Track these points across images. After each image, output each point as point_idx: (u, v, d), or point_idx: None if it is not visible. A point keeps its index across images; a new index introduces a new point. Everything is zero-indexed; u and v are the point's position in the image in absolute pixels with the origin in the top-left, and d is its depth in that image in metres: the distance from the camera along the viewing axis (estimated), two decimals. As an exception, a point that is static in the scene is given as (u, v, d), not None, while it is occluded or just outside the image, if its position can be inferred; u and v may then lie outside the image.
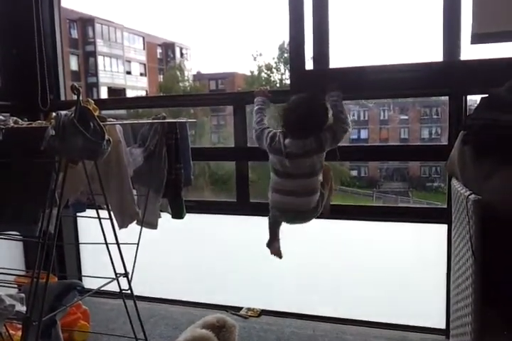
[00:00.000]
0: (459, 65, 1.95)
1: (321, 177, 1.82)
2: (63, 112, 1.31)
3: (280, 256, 2.02)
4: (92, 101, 1.54)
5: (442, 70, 1.95)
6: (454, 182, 1.64)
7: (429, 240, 2.26)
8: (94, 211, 1.60)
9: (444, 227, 2.02)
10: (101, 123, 1.32)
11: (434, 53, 1.97)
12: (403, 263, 2.37)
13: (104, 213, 1.61)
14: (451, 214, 1.75)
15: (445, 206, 2.04)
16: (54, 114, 1.35)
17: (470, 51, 1.89)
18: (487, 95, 1.53)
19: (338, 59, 2.11)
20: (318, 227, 2.15)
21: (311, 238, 2.42)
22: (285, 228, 1.99)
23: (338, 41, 2.17)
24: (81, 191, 1.75)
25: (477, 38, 1.79)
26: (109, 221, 1.58)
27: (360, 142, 10.60)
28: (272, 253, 2.02)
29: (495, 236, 1.26)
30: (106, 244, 1.58)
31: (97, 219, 1.56)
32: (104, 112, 1.71)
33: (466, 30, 1.83)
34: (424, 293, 2.27)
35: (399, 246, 2.42)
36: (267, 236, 2.00)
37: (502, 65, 1.83)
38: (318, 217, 1.88)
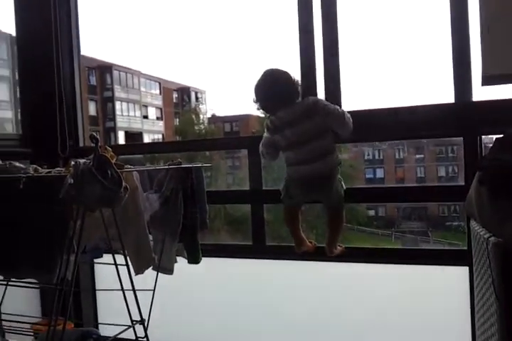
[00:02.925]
0: (471, 106, 1.96)
1: (330, 139, 1.84)
2: (81, 160, 1.34)
3: (315, 249, 2.00)
4: (110, 149, 1.58)
5: (454, 112, 1.96)
6: (473, 224, 1.61)
7: (451, 283, 2.19)
8: (110, 256, 1.60)
9: (465, 270, 1.97)
10: (118, 171, 1.35)
11: (445, 95, 2.00)
12: (424, 308, 2.29)
13: (120, 259, 1.61)
14: (472, 256, 1.72)
15: (465, 248, 2.00)
16: (72, 162, 1.39)
17: (482, 92, 1.91)
18: (502, 135, 1.54)
19: (350, 101, 2.15)
20: (332, 271, 2.12)
21: (327, 283, 2.37)
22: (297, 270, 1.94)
23: (351, 83, 2.22)
24: (98, 237, 1.76)
25: (488, 80, 1.80)
26: (125, 267, 1.59)
27: (376, 182, 10.57)
28: (302, 251, 2.00)
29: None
30: (122, 290, 1.57)
31: (114, 265, 1.56)
32: (120, 156, 1.74)
33: (476, 71, 1.86)
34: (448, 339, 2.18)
35: (419, 290, 2.34)
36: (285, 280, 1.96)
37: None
38: (332, 260, 1.85)
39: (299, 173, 1.85)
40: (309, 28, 2.15)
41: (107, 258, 1.70)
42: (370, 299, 2.38)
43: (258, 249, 2.33)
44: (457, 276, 2.06)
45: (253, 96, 1.91)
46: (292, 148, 1.84)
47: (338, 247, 2.00)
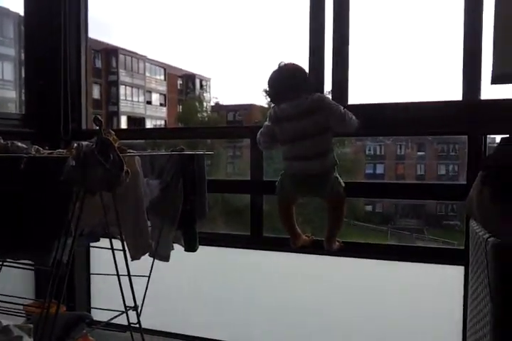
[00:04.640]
0: (479, 104, 1.94)
1: (329, 138, 1.83)
2: (84, 143, 1.33)
3: (312, 242, 2.00)
4: (113, 133, 1.56)
5: (462, 110, 1.95)
6: (473, 224, 1.61)
7: (445, 282, 2.19)
8: (107, 241, 1.60)
9: (461, 269, 1.97)
10: (120, 155, 1.34)
11: (453, 92, 1.98)
12: (416, 307, 2.30)
13: (117, 244, 1.61)
14: (469, 256, 1.71)
15: (462, 247, 1.99)
16: (75, 144, 1.38)
17: (491, 90, 1.90)
18: (507, 135, 1.53)
19: (358, 94, 2.14)
20: (327, 264, 2.11)
21: (319, 276, 2.37)
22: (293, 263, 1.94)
23: (359, 77, 2.20)
24: (97, 221, 1.75)
25: (498, 79, 1.78)
26: (121, 252, 1.58)
27: (376, 177, 10.55)
28: (299, 246, 2.00)
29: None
30: (118, 275, 1.57)
31: (110, 250, 1.55)
32: (122, 141, 1.74)
33: (486, 70, 1.84)
34: (438, 339, 2.19)
35: (412, 288, 2.35)
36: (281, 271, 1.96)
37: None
38: (328, 254, 1.85)
39: (293, 169, 1.85)
40: (320, 22, 2.14)
41: (104, 242, 1.70)
42: (363, 295, 2.39)
43: (255, 240, 2.33)
44: (453, 275, 2.06)
45: (266, 85, 1.92)
46: (289, 143, 1.83)
47: (337, 243, 2.00)
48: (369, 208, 9.89)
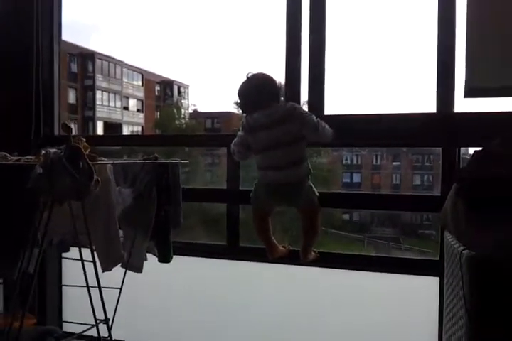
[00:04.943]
0: (453, 117, 1.96)
1: (302, 147, 1.82)
2: (52, 150, 1.28)
3: (289, 253, 1.98)
4: (84, 140, 1.52)
5: (436, 122, 1.96)
6: (447, 235, 1.61)
7: (421, 293, 2.20)
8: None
9: (436, 280, 1.97)
10: (90, 163, 1.29)
11: (428, 104, 2.00)
12: (390, 318, 2.30)
13: (88, 254, 1.55)
14: (444, 267, 1.72)
15: (437, 258, 2.00)
16: (43, 151, 1.33)
17: (464, 103, 1.92)
18: (480, 148, 1.54)
19: (334, 105, 2.14)
20: (302, 275, 2.09)
21: (295, 286, 2.35)
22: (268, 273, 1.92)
23: (335, 88, 2.21)
24: (66, 230, 1.69)
25: (470, 92, 1.81)
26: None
27: (353, 186, 10.66)
28: (276, 258, 1.97)
29: (490, 293, 1.23)
30: (87, 287, 1.51)
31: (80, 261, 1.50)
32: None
33: (460, 83, 1.86)
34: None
35: (387, 299, 2.35)
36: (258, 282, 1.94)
37: (496, 119, 1.84)
38: (305, 264, 1.83)
39: (267, 178, 1.83)
40: (296, 33, 2.14)
41: (76, 253, 1.64)
42: (338, 305, 2.38)
43: (232, 250, 2.29)
44: (428, 286, 2.06)
45: (236, 97, 1.91)
46: (263, 152, 1.81)
47: (313, 253, 1.98)
48: (346, 217, 9.98)
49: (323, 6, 2.09)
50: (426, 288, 2.08)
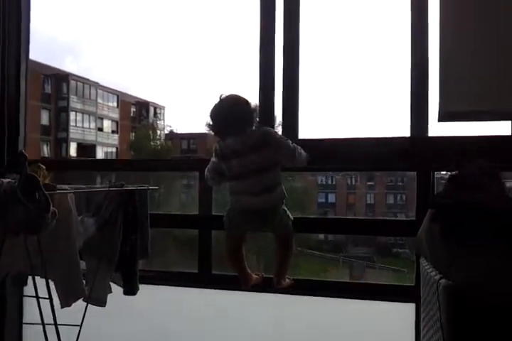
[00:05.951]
0: (426, 141, 1.95)
1: (277, 172, 1.76)
2: (6, 180, 1.20)
3: (263, 280, 1.91)
4: (44, 167, 1.44)
5: (409, 146, 1.95)
6: (423, 262, 1.58)
7: (396, 320, 2.15)
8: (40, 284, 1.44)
9: (412, 306, 1.92)
10: (47, 194, 1.21)
11: (401, 128, 1.99)
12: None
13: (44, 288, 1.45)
14: (420, 293, 1.68)
15: (413, 284, 1.96)
16: (-4, 181, 1.24)
17: (439, 127, 1.91)
18: (455, 173, 1.52)
19: (307, 130, 2.12)
20: (279, 303, 2.02)
21: (264, 315, 2.28)
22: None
23: (309, 113, 2.19)
24: (22, 263, 1.59)
25: (444, 116, 1.81)
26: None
27: (327, 206, 10.71)
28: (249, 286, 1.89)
29: (468, 323, 1.20)
30: (43, 324, 1.41)
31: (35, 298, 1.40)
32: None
33: (433, 107, 1.86)
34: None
35: (361, 327, 2.30)
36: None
37: (470, 143, 1.84)
38: (279, 291, 1.76)
39: (241, 204, 1.77)
40: (269, 58, 2.12)
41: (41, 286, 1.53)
42: (313, 333, 2.32)
43: (204, 278, 2.21)
44: (403, 313, 2.02)
45: (208, 119, 1.84)
46: (237, 179, 1.76)
47: (287, 280, 1.92)
48: (321, 237, 10.01)
49: (297, 29, 2.09)
50: (402, 315, 2.03)
